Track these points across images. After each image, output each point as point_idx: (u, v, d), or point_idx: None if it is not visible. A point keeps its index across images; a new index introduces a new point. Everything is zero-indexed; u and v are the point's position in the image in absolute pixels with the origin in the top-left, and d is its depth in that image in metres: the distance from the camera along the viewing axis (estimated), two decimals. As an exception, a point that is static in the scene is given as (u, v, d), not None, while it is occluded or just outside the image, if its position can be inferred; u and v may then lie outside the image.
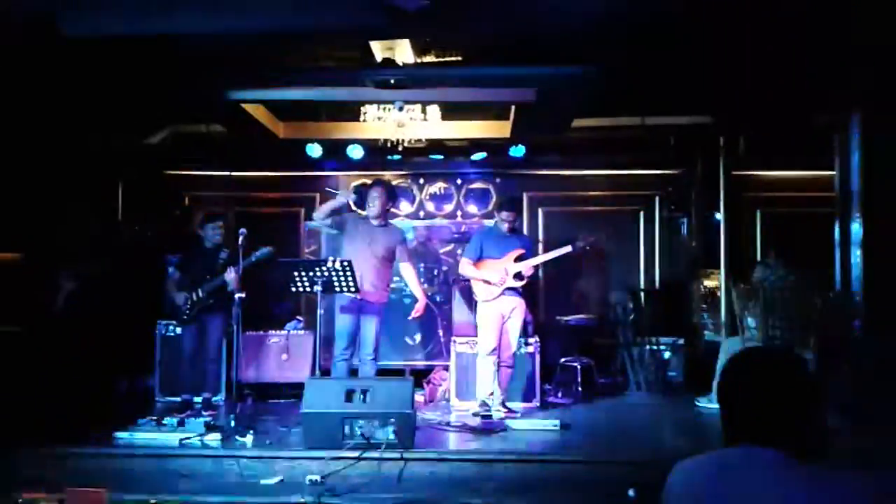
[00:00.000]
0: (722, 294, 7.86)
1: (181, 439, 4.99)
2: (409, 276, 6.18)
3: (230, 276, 5.88)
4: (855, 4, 4.89)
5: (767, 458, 1.66)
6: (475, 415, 5.96)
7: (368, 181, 7.86)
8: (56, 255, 6.88)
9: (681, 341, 7.37)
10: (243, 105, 7.14)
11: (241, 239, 5.63)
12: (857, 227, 5.55)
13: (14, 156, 6.48)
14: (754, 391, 1.74)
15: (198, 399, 6.21)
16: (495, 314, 6.09)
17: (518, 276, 6.09)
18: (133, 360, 7.04)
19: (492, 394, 6.04)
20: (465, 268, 6.24)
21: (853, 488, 1.61)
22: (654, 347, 7.29)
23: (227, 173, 8.67)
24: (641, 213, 8.83)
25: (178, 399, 6.28)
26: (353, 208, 6.25)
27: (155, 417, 5.41)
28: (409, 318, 6.24)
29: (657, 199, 8.77)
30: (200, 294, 6.13)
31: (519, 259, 6.11)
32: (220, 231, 6.33)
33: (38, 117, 6.41)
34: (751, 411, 1.73)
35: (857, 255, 5.62)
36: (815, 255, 6.53)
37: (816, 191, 7.42)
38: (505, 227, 6.21)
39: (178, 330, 6.59)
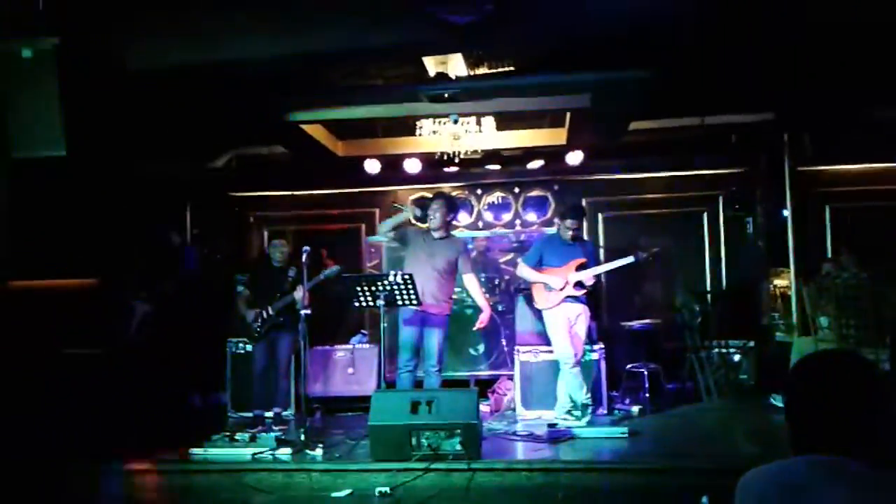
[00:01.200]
0: (793, 294, 7.65)
1: (253, 454, 5.12)
2: (472, 286, 6.21)
3: (299, 294, 6.01)
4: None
5: (838, 466, 1.62)
6: (553, 425, 5.89)
7: (428, 194, 7.94)
8: (130, 279, 7.14)
9: (751, 343, 7.19)
10: (302, 126, 7.31)
11: (304, 256, 5.76)
12: (931, 220, 5.34)
13: (88, 185, 6.77)
14: (822, 398, 1.68)
15: (269, 414, 6.35)
16: (562, 319, 6.06)
17: (579, 285, 6.04)
18: (205, 377, 7.25)
19: (588, 394, 6.04)
20: (523, 270, 6.24)
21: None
22: (724, 350, 7.13)
23: (290, 192, 8.88)
24: (705, 214, 8.65)
25: (250, 415, 6.43)
26: (415, 222, 6.32)
27: (228, 433, 5.55)
28: (475, 328, 6.26)
29: (720, 198, 8.58)
30: (271, 312, 6.28)
31: (580, 268, 6.06)
32: (282, 250, 6.49)
33: (109, 147, 6.67)
34: (819, 419, 1.68)
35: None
36: (890, 249, 6.30)
37: (889, 184, 7.17)
38: (568, 234, 6.17)
39: (249, 347, 6.77)
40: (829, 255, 7.68)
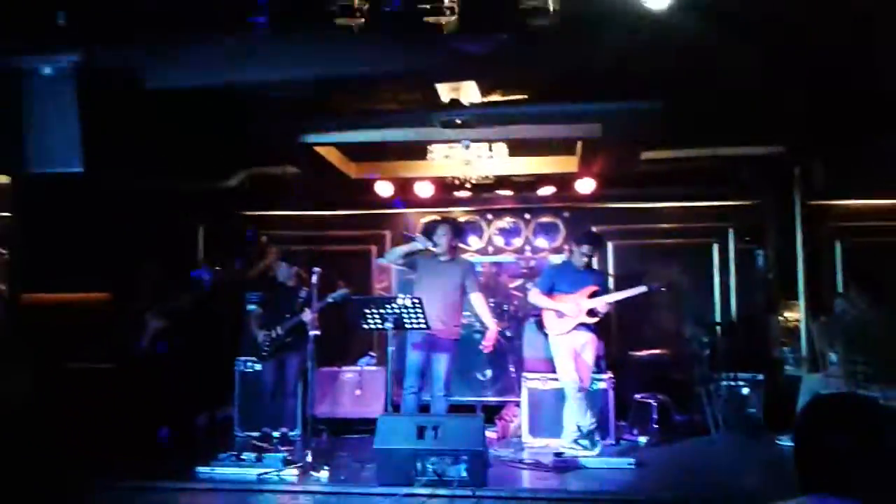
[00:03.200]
0: (802, 328, 7.62)
1: (259, 474, 5.12)
2: (479, 305, 6.22)
3: (307, 316, 6.03)
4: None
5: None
6: (559, 453, 5.87)
7: (438, 218, 7.96)
8: (143, 295, 7.19)
9: (760, 377, 7.14)
10: (315, 148, 7.37)
11: (314, 278, 5.79)
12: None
13: (102, 201, 6.84)
14: (831, 440, 1.71)
15: (276, 434, 6.35)
16: (568, 347, 6.06)
17: (591, 312, 6.04)
18: (214, 395, 7.26)
19: (594, 420, 6.03)
20: (536, 297, 6.23)
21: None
22: (733, 383, 7.09)
23: (302, 213, 8.94)
24: (716, 246, 8.66)
25: (257, 434, 6.43)
26: (429, 249, 6.34)
27: (234, 452, 5.56)
28: (481, 347, 6.25)
29: (731, 230, 8.59)
30: (279, 332, 6.31)
31: (593, 295, 6.06)
32: (289, 271, 6.53)
33: (124, 164, 6.75)
34: (827, 461, 1.70)
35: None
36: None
37: (899, 219, 7.17)
38: (582, 261, 6.17)
39: (258, 366, 6.77)
40: (840, 289, 7.66)
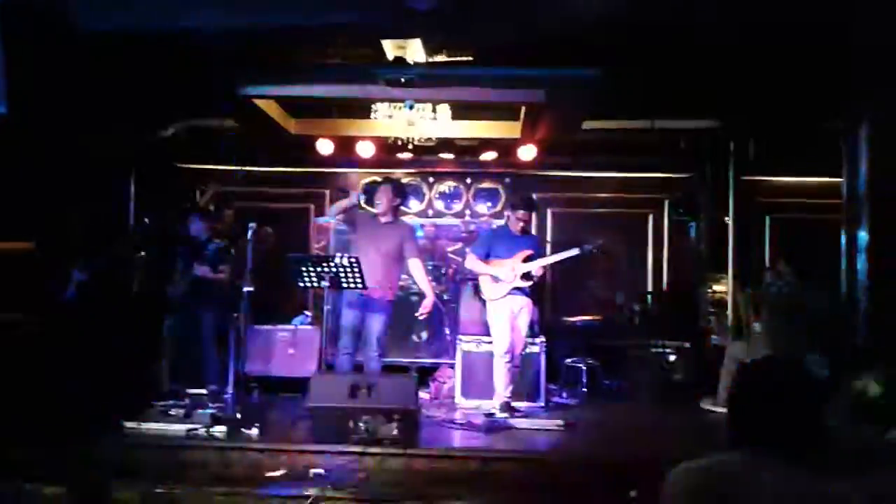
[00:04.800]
0: (729, 299, 7.87)
1: (188, 430, 5.05)
2: (417, 272, 6.20)
3: (200, 270, 6.01)
4: (860, 11, 4.91)
5: (771, 461, 1.71)
6: (490, 414, 5.96)
7: (379, 178, 7.91)
8: (68, 246, 6.95)
9: (687, 345, 7.37)
10: (255, 101, 7.19)
11: (249, 233, 5.69)
12: (863, 234, 5.52)
13: (28, 147, 6.55)
14: (764, 399, 1.81)
15: (204, 391, 6.26)
16: (505, 311, 6.12)
17: (526, 276, 6.11)
18: (142, 350, 7.09)
19: (509, 391, 6.13)
20: (472, 262, 6.26)
21: (853, 490, 1.67)
22: (660, 350, 7.30)
23: (239, 168, 8.74)
24: (650, 217, 8.85)
25: (186, 390, 6.33)
26: (363, 206, 6.30)
27: (163, 408, 5.47)
28: (417, 315, 6.26)
29: (666, 202, 8.78)
30: (179, 287, 6.21)
31: (527, 260, 6.12)
32: (201, 225, 6.40)
33: (52, 109, 6.48)
34: (760, 419, 1.80)
35: (862, 262, 5.57)
36: (825, 261, 6.51)
37: (827, 197, 7.40)
38: (518, 226, 6.21)
39: (175, 321, 6.66)
40: (767, 263, 7.91)
